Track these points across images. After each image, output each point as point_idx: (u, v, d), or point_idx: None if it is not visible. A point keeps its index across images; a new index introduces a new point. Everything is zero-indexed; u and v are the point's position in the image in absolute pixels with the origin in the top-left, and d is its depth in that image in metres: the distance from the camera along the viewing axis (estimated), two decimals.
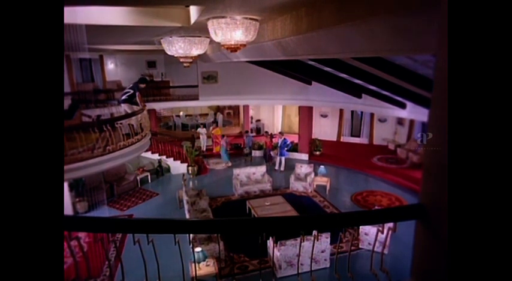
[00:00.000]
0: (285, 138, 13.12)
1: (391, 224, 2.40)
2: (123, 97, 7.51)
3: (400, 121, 14.79)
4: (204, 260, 6.21)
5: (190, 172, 12.47)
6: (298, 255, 5.43)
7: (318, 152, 14.24)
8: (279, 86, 14.06)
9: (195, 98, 14.62)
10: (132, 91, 7.46)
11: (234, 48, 4.27)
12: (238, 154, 14.85)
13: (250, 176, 11.05)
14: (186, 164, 12.72)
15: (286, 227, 2.18)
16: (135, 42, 7.24)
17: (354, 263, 7.08)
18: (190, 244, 6.09)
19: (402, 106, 10.62)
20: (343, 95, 12.62)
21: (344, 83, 11.02)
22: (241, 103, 15.68)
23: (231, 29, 3.96)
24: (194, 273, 5.81)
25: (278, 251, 6.47)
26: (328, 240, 6.72)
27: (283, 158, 12.88)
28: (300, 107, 15.02)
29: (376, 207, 7.97)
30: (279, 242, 6.43)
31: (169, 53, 6.56)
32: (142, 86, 7.67)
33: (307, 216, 3.00)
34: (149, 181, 11.91)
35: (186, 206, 8.44)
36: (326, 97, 13.36)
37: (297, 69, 11.68)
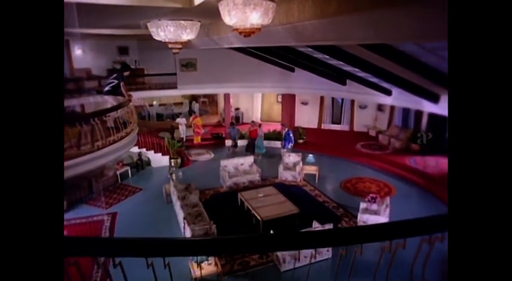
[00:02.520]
0: (288, 130, 12.85)
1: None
2: (107, 88, 6.84)
3: (380, 107, 15.01)
4: (206, 259, 5.92)
5: (173, 164, 11.91)
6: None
7: (301, 141, 14.15)
8: (261, 74, 13.71)
9: (173, 86, 13.92)
10: (116, 81, 6.80)
11: (248, 33, 3.88)
12: (219, 144, 14.46)
13: (238, 167, 10.75)
14: (167, 157, 12.14)
15: (304, 245, 1.83)
16: (119, 25, 6.54)
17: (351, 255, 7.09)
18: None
19: (388, 93, 10.69)
20: (326, 82, 12.50)
21: (332, 69, 10.87)
22: (222, 91, 15.11)
23: (248, 10, 3.57)
24: (196, 273, 5.54)
25: None
26: None
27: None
28: (282, 95, 14.79)
29: (371, 195, 7.98)
30: None
31: (156, 38, 5.97)
32: (126, 74, 7.03)
33: (330, 231, 2.67)
34: (130, 176, 11.26)
35: (177, 202, 8.01)
36: (309, 84, 13.20)
37: (283, 55, 11.37)
